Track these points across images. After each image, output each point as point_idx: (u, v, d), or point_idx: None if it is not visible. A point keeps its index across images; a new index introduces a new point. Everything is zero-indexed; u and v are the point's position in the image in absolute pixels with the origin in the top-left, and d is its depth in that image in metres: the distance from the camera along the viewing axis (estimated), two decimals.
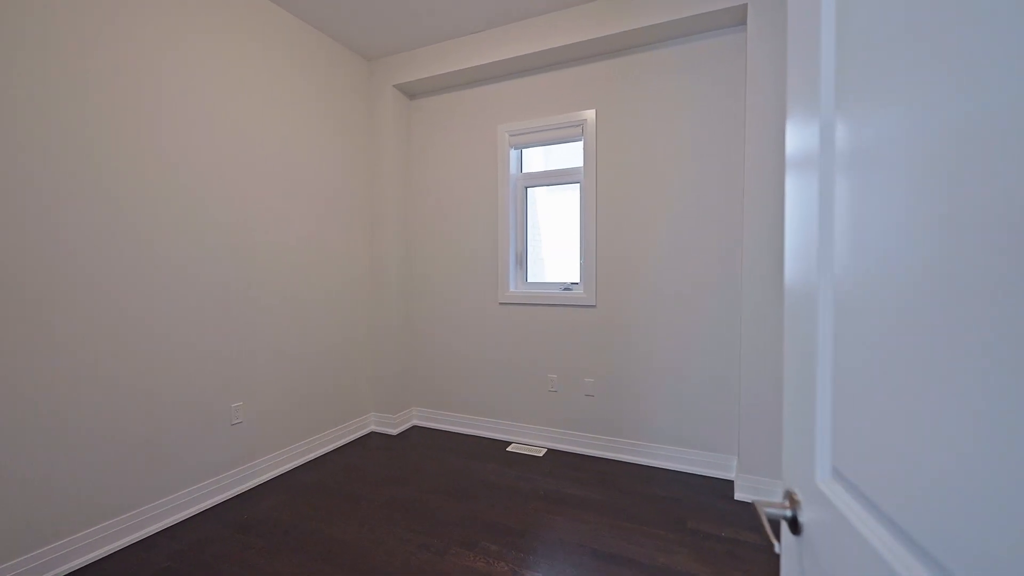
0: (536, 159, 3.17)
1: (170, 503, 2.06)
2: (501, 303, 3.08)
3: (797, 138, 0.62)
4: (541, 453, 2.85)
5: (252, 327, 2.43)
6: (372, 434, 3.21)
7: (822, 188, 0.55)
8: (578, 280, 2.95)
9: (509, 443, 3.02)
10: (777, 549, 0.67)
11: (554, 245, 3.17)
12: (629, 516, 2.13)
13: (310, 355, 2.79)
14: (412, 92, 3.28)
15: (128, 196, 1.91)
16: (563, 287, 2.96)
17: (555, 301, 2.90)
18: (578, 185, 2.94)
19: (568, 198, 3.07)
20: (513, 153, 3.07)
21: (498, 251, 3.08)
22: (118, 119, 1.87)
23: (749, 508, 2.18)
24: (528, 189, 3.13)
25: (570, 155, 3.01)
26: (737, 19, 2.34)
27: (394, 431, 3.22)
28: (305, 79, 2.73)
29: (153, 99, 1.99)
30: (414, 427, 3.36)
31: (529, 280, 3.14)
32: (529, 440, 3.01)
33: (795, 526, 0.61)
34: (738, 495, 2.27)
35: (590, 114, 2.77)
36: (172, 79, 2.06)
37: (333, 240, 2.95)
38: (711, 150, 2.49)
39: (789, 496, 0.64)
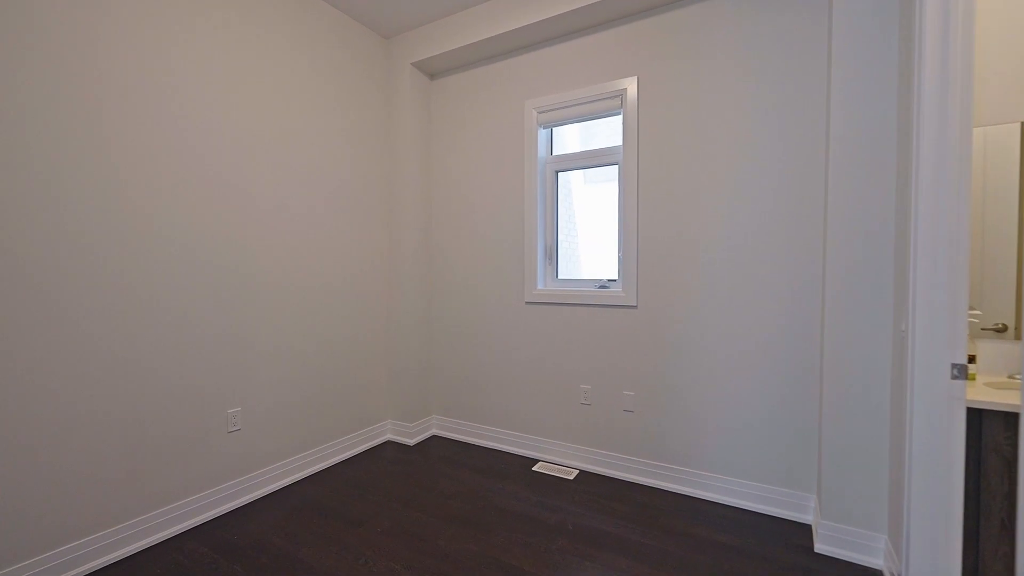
0: (570, 141, 2.80)
1: (155, 519, 1.86)
2: (528, 302, 2.73)
3: None
4: (572, 476, 2.48)
5: (252, 325, 2.22)
6: (388, 443, 2.96)
7: None
8: (615, 277, 2.55)
9: (536, 461, 2.67)
10: None
11: (589, 238, 2.78)
12: (678, 567, 1.72)
13: (319, 356, 2.56)
14: (432, 71, 3.00)
15: (112, 187, 1.73)
16: (598, 285, 2.58)
17: (589, 301, 2.52)
18: (616, 167, 2.54)
19: (605, 186, 2.68)
20: (542, 133, 2.71)
21: (524, 244, 2.73)
22: (120, 113, 1.69)
23: (836, 566, 1.71)
24: (559, 175, 2.76)
25: (608, 134, 2.62)
26: None
27: (411, 441, 2.94)
28: (313, 58, 2.50)
29: (153, 91, 1.80)
30: (433, 437, 3.07)
31: (560, 277, 2.77)
32: (558, 459, 2.64)
33: None
34: (819, 546, 1.81)
35: (630, 83, 2.37)
36: (175, 68, 1.87)
37: (345, 232, 2.71)
38: (782, 122, 2.03)
39: None
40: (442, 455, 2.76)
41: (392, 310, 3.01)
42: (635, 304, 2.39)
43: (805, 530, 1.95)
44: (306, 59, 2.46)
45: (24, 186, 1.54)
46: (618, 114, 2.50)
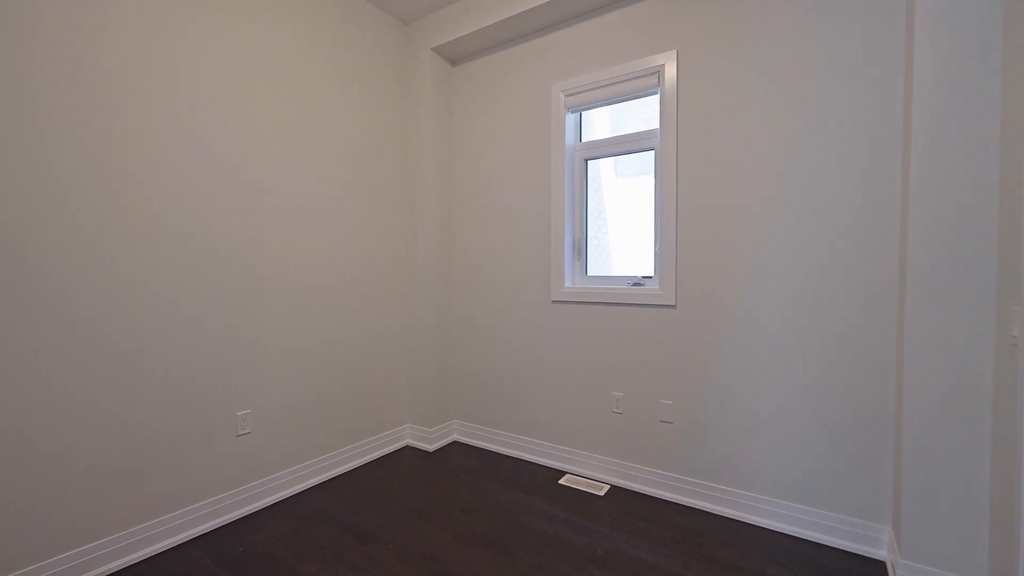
0: (600, 128, 2.59)
1: (161, 525, 1.77)
2: (555, 301, 2.53)
3: None
4: (602, 491, 2.26)
5: (263, 322, 2.11)
6: (407, 449, 2.82)
7: None
8: (651, 274, 2.32)
9: (563, 473, 2.46)
10: None
11: (620, 233, 2.56)
12: None
13: (333, 355, 2.44)
14: (454, 56, 2.84)
15: (120, 181, 1.64)
16: (632, 282, 2.35)
17: (621, 299, 2.30)
18: (652, 153, 2.31)
19: (637, 180, 2.45)
20: (570, 119, 2.51)
21: (551, 237, 2.53)
22: (129, 108, 1.61)
23: None
24: (589, 164, 2.55)
25: (639, 122, 2.39)
26: None
27: (431, 447, 2.79)
28: (328, 45, 2.38)
29: (161, 85, 1.71)
30: (454, 443, 2.91)
31: (589, 274, 2.56)
32: (587, 472, 2.43)
33: None
34: None
35: (669, 58, 2.14)
36: (183, 60, 1.77)
37: (361, 228, 2.59)
38: (847, 95, 1.76)
39: None
40: (462, 464, 2.60)
41: (411, 308, 2.87)
42: (673, 303, 2.15)
43: (878, 567, 1.67)
44: (320, 46, 2.34)
45: (35, 182, 1.46)
46: (654, 93, 2.26)
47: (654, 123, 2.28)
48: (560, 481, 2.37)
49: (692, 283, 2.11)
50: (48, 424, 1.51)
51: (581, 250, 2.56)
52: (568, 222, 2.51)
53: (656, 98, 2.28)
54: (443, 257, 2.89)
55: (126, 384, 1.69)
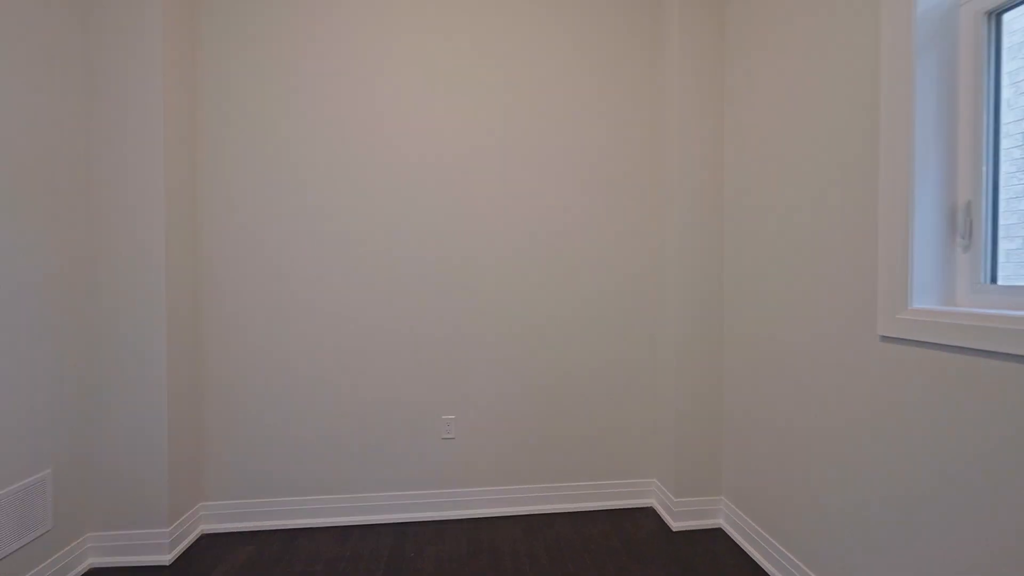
0: None
1: (365, 500, 2.04)
2: (884, 337, 1.22)
3: None
4: None
5: (474, 333, 2.08)
6: (649, 513, 2.12)
7: None
8: None
9: None
10: None
11: None
12: None
13: (551, 375, 2.13)
14: None
15: (359, 192, 2.04)
16: None
17: None
18: None
19: None
20: None
21: (878, 198, 1.24)
22: (351, 118, 2.02)
23: None
24: (1006, 19, 1.08)
25: None
26: None
27: (675, 525, 1.98)
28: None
29: (390, 99, 2.03)
30: (719, 532, 1.96)
31: (999, 281, 1.08)
32: None
33: None
34: None
35: None
36: (401, 71, 2.04)
37: (593, 229, 2.14)
38: None
39: None
40: (728, 567, 1.69)
41: (660, 335, 2.15)
42: None
43: None
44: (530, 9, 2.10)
45: (300, 207, 2.00)
46: None
47: None
48: None
49: None
50: (301, 395, 2.02)
51: (972, 229, 1.11)
52: (930, 163, 1.15)
53: None
54: (706, 267, 2.00)
55: (356, 373, 2.03)
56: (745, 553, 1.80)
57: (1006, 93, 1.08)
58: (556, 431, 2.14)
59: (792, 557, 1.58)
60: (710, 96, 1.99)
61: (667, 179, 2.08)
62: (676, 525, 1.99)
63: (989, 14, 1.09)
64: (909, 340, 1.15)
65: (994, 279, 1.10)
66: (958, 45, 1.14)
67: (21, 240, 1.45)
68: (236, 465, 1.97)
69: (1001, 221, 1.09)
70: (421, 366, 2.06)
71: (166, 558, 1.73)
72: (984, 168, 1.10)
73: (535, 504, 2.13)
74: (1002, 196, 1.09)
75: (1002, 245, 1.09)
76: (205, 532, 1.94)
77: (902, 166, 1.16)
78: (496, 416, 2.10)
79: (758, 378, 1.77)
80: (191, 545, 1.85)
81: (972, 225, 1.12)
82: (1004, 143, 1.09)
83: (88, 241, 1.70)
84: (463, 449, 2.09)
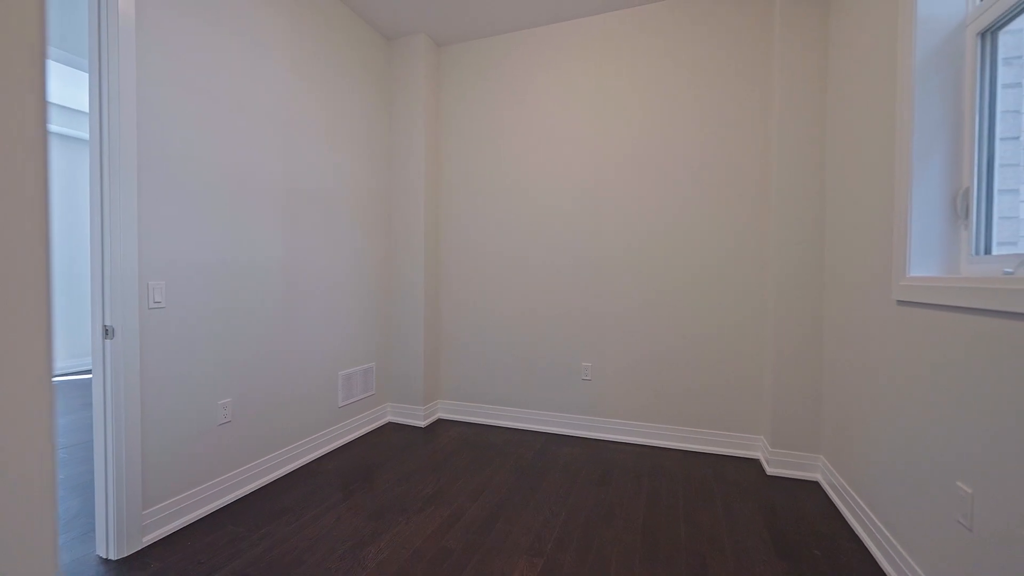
0: None
1: (536, 418, 2.99)
2: (901, 301, 1.52)
3: None
4: None
5: (605, 302, 2.84)
6: (754, 463, 2.51)
7: None
8: None
9: None
10: None
11: None
12: None
13: (670, 335, 2.72)
14: None
15: (527, 207, 3.02)
16: None
17: None
18: None
19: None
20: None
21: (893, 183, 1.54)
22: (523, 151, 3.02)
23: None
24: (1002, 37, 1.32)
25: None
26: None
27: (772, 471, 2.34)
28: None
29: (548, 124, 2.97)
30: (815, 484, 2.25)
31: (993, 251, 1.32)
32: None
33: None
34: None
35: None
36: (542, 101, 2.94)
37: (699, 217, 2.65)
38: None
39: None
40: (821, 511, 2.08)
41: (765, 299, 2.51)
42: None
43: None
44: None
45: (487, 226, 3.09)
46: None
47: None
48: None
49: None
50: (494, 341, 3.09)
51: (965, 208, 1.37)
52: (935, 158, 1.43)
53: None
54: (811, 242, 2.30)
55: (529, 331, 3.02)
56: (835, 506, 2.07)
57: (1001, 104, 1.32)
58: (672, 383, 2.71)
59: (875, 519, 1.86)
60: (807, 104, 2.28)
61: (770, 175, 2.43)
62: (771, 471, 2.35)
63: (981, 35, 1.34)
64: (912, 303, 1.45)
65: (984, 249, 1.34)
66: (963, 61, 1.40)
67: (361, 244, 2.90)
68: (456, 378, 3.20)
69: (997, 209, 1.32)
70: (571, 327, 2.92)
71: (422, 423, 3.05)
72: (986, 164, 1.35)
73: (649, 438, 2.76)
74: (997, 187, 1.32)
75: (997, 226, 1.32)
76: (440, 418, 3.23)
77: (904, 161, 1.47)
78: (623, 367, 2.81)
79: (821, 345, 2.04)
80: (433, 422, 3.14)
81: (965, 206, 1.37)
82: (999, 147, 1.32)
83: (389, 246, 3.13)
84: (597, 387, 2.88)
